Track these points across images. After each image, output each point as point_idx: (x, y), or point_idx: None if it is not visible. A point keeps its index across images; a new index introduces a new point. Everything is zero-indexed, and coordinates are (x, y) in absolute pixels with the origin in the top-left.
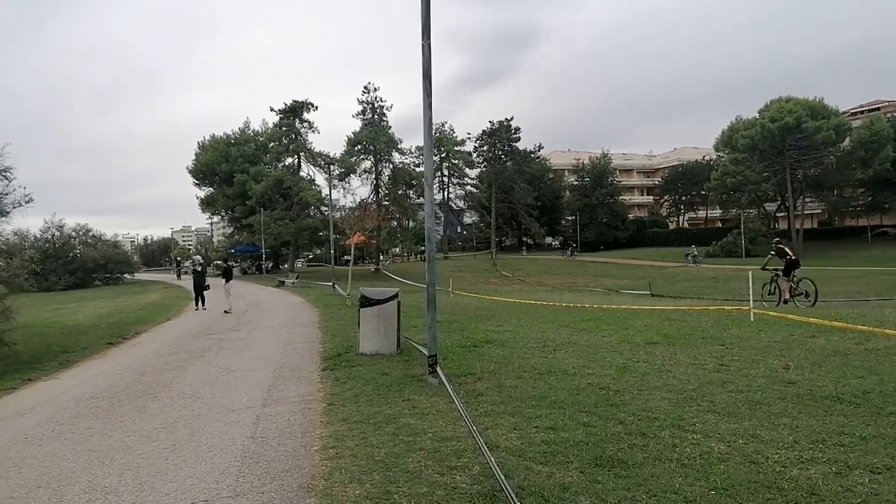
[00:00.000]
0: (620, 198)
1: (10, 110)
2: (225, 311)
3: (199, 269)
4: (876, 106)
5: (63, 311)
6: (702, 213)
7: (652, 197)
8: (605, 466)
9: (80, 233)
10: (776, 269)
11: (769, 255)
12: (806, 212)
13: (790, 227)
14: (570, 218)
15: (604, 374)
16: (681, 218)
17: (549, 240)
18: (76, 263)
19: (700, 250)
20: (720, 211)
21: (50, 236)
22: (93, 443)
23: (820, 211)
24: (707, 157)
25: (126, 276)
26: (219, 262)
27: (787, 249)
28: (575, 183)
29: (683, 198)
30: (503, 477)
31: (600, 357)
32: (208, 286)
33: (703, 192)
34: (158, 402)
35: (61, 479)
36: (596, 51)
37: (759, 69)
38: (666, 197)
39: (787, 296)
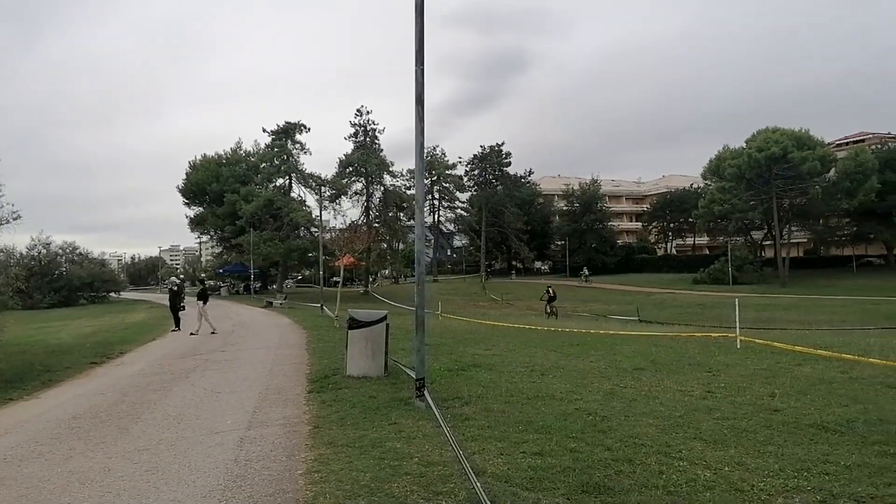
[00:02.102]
0: (609, 224)
1: None
2: (191, 333)
3: (175, 289)
4: (861, 137)
5: (47, 329)
6: (689, 240)
7: (640, 223)
8: (592, 493)
9: (67, 250)
10: (547, 301)
11: (544, 293)
12: (792, 240)
13: (776, 256)
14: (559, 243)
15: (591, 400)
16: (669, 244)
17: (538, 264)
18: (62, 281)
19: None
20: (707, 238)
21: (36, 254)
22: (73, 464)
23: (806, 240)
24: (695, 185)
25: (112, 294)
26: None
27: (551, 291)
28: (564, 208)
29: (671, 225)
30: (489, 503)
31: (588, 382)
32: (184, 307)
33: (690, 220)
34: (141, 423)
35: (39, 500)
36: (586, 78)
37: (747, 100)
38: (654, 223)
39: (548, 312)
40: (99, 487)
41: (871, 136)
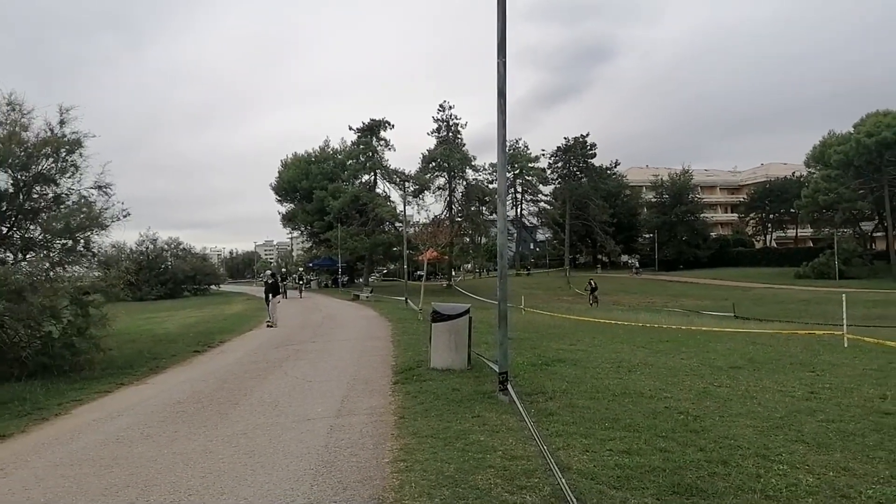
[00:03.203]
0: (702, 215)
1: (109, 130)
2: (268, 325)
3: (271, 281)
4: None
5: (154, 319)
6: (791, 232)
7: (737, 215)
8: (684, 494)
9: (172, 246)
10: (590, 291)
11: (587, 284)
12: None
13: (889, 248)
14: (647, 236)
15: (682, 399)
16: (768, 237)
17: (624, 258)
18: (167, 275)
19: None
20: (811, 230)
21: (144, 249)
22: (178, 446)
23: None
24: (797, 174)
25: (212, 287)
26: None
27: (593, 283)
28: (653, 200)
29: (771, 216)
30: (574, 500)
31: (679, 380)
32: (279, 299)
33: (792, 210)
34: (239, 408)
35: (148, 479)
36: (676, 65)
37: (853, 82)
38: (752, 215)
39: (591, 303)
40: (201, 468)
41: None
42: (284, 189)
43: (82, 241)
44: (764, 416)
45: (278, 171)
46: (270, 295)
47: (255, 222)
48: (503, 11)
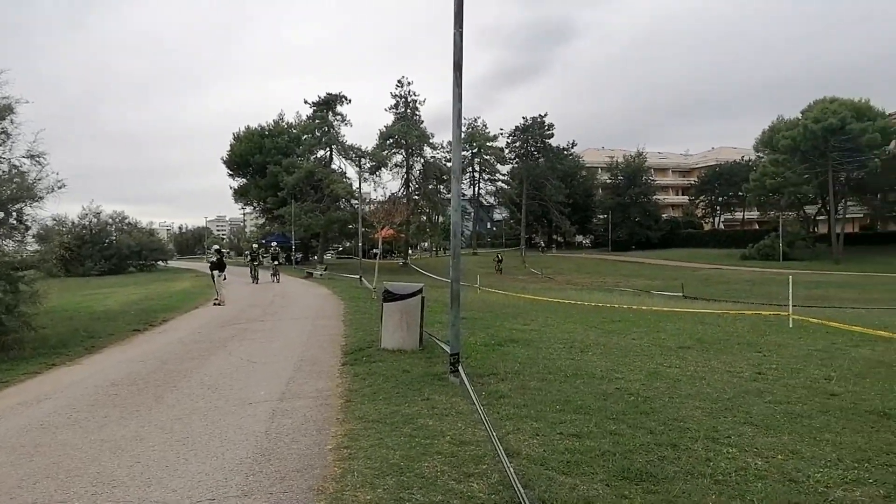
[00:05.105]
0: (654, 197)
1: (50, 97)
2: (215, 303)
3: (215, 258)
4: None
5: (95, 296)
6: (738, 215)
7: (687, 197)
8: (633, 480)
9: (117, 220)
10: (497, 262)
11: (495, 256)
12: (847, 216)
13: (830, 231)
14: (601, 216)
15: (633, 379)
16: (716, 219)
17: (579, 238)
18: (112, 249)
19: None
20: (758, 213)
21: (87, 222)
22: (107, 432)
23: (862, 215)
24: (746, 158)
25: (160, 263)
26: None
27: (499, 256)
28: (608, 181)
29: (720, 199)
30: (521, 488)
31: (630, 360)
32: (225, 276)
33: (740, 194)
34: (177, 392)
35: (70, 469)
36: (633, 48)
37: (802, 70)
38: (702, 197)
39: (497, 270)
40: (129, 457)
41: None
42: (236, 163)
43: (14, 213)
44: (713, 397)
45: (230, 145)
46: (216, 272)
47: (206, 197)
48: None
